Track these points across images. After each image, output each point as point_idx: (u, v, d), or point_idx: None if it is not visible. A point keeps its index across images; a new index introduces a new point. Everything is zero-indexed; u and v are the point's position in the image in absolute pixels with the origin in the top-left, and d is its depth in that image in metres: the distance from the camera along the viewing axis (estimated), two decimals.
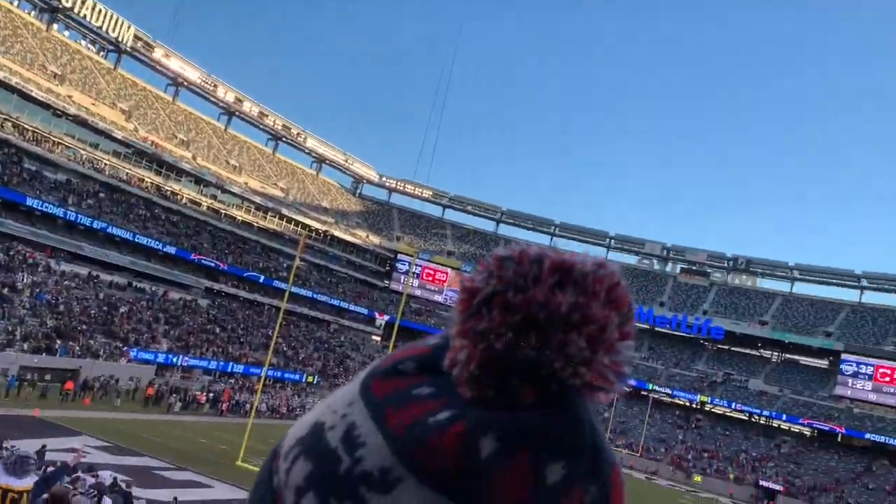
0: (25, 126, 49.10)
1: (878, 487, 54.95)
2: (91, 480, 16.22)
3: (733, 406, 70.80)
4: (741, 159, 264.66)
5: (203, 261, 57.23)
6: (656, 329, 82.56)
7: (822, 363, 75.60)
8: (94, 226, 49.27)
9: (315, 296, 66.43)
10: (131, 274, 51.11)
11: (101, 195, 53.01)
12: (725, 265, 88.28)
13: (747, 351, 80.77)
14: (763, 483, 54.22)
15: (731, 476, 55.20)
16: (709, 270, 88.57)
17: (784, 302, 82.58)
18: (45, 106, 50.39)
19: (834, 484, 55.66)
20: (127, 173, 56.34)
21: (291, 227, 69.63)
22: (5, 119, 47.78)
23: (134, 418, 33.53)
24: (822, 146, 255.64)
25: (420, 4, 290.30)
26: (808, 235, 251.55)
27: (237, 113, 75.83)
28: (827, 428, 65.25)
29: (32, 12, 59.06)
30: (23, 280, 41.60)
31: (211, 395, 43.45)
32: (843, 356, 69.11)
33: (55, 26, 60.10)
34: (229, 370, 49.49)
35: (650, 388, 73.83)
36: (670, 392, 73.92)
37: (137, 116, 61.37)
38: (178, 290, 54.06)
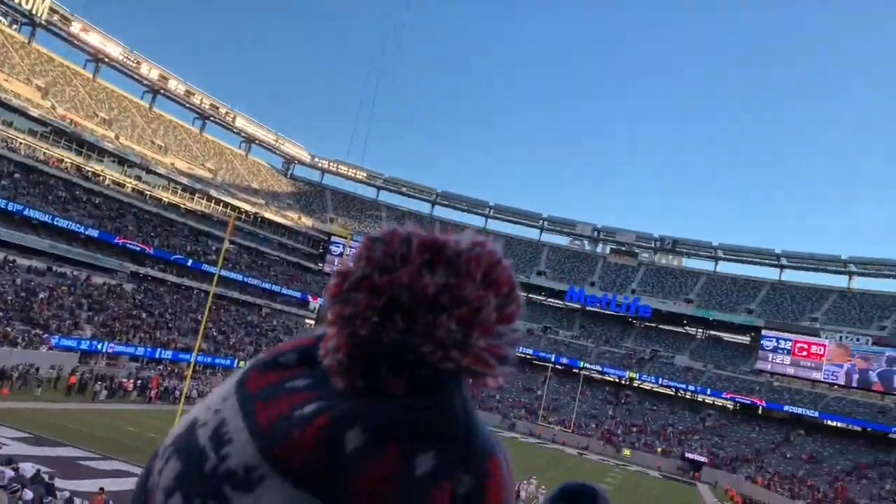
0: None
1: (796, 457, 57.71)
2: (10, 473, 15.50)
3: (660, 382, 73.14)
4: (671, 145, 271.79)
5: (128, 244, 55.21)
6: (587, 308, 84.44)
7: (744, 339, 78.85)
8: (10, 208, 46.75)
9: (246, 279, 65.11)
10: (51, 258, 48.74)
11: (17, 176, 50.38)
12: (653, 245, 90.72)
13: (673, 328, 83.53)
14: (689, 455, 56.19)
15: (659, 449, 57.02)
16: (637, 251, 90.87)
17: (708, 280, 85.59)
18: None
19: (755, 454, 58.15)
20: (45, 153, 53.61)
21: (220, 208, 67.92)
22: None
23: (56, 408, 32.13)
24: (744, 132, 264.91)
25: None
26: (731, 216, 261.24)
27: (162, 91, 73.17)
28: (748, 401, 68.18)
29: None
30: None
31: (138, 382, 41.98)
32: (764, 332, 72.13)
33: None
34: (157, 356, 48.01)
35: (581, 365, 75.61)
36: (601, 369, 75.77)
37: (55, 93, 58.47)
38: (102, 274, 51.97)
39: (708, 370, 74.02)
